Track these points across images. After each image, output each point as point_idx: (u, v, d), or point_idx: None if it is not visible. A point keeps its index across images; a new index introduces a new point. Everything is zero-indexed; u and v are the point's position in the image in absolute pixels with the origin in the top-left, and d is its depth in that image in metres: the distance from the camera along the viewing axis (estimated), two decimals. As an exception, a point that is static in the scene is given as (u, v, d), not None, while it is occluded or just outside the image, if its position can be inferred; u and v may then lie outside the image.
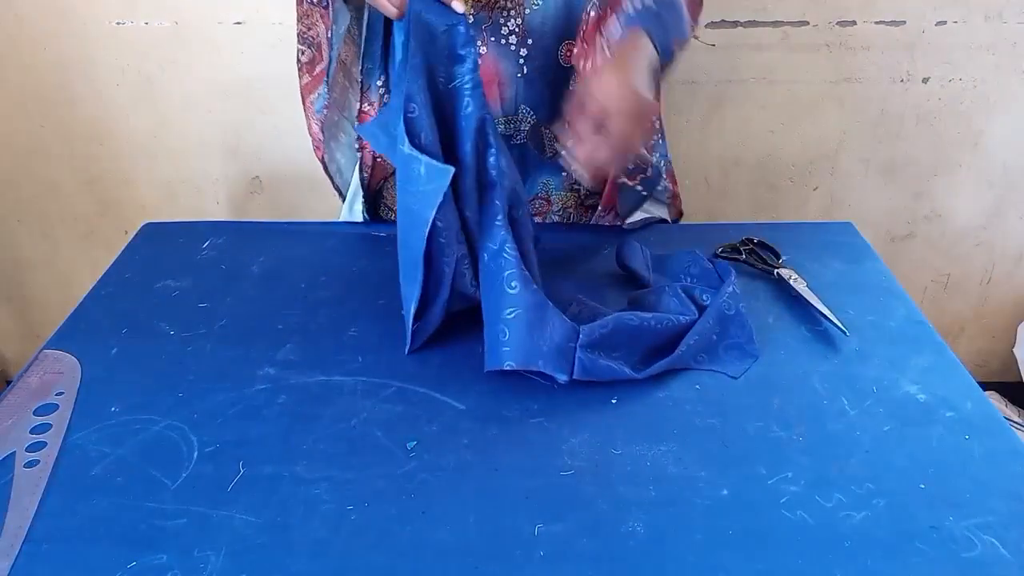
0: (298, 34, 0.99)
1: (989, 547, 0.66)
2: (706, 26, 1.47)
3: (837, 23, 1.48)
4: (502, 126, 1.02)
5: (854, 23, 1.48)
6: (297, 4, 0.97)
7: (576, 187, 1.10)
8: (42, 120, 1.59)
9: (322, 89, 1.01)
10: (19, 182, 1.67)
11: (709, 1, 1.43)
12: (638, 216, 1.11)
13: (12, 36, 1.50)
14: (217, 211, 1.68)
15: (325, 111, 1.02)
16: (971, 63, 1.53)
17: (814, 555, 0.66)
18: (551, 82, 1.00)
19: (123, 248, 1.11)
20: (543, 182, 1.10)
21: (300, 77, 1.02)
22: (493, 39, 0.95)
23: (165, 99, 1.56)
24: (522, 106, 1.01)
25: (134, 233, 1.14)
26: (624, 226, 1.10)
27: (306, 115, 1.04)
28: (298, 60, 1.00)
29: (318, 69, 1.01)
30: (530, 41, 0.96)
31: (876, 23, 1.48)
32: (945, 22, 1.48)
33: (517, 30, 0.95)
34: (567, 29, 0.96)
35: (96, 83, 1.55)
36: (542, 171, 1.09)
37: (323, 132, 1.05)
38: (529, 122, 1.02)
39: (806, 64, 1.52)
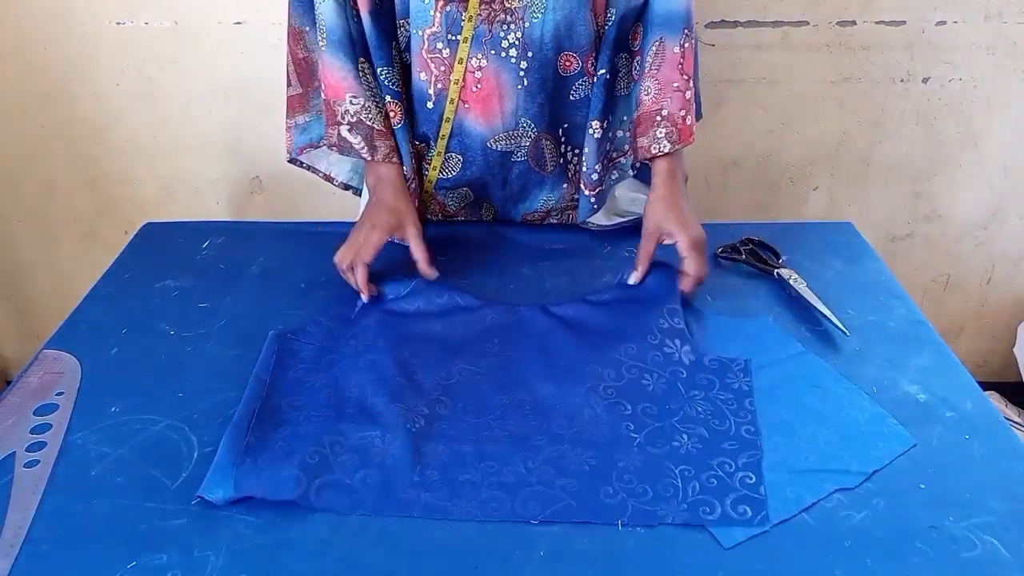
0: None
1: (989, 547, 0.66)
2: (706, 26, 1.47)
3: (837, 23, 1.48)
4: (502, 143, 1.02)
5: (854, 23, 1.48)
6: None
7: (576, 200, 1.10)
8: (42, 120, 1.59)
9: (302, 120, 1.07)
10: (19, 182, 1.67)
11: (709, 1, 1.43)
12: (626, 207, 1.12)
13: (12, 36, 1.50)
14: (217, 211, 1.68)
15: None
16: (971, 63, 1.52)
17: (814, 555, 0.66)
18: (551, 92, 1.00)
19: (123, 248, 1.11)
20: (544, 199, 1.10)
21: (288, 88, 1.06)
22: (493, 52, 0.95)
23: (165, 99, 1.56)
24: (522, 119, 1.00)
25: (134, 233, 1.14)
26: (593, 227, 1.11)
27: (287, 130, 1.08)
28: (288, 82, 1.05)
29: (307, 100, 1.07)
30: (530, 54, 0.96)
31: (876, 23, 1.48)
32: (945, 22, 1.48)
33: (517, 43, 0.95)
34: (566, 41, 0.96)
35: (96, 83, 1.55)
36: (543, 188, 1.09)
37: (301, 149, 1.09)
38: (530, 136, 1.02)
39: (806, 64, 1.52)
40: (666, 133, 0.97)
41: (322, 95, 1.00)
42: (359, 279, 0.94)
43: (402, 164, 1.01)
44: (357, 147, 0.98)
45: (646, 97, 0.98)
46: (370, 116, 0.97)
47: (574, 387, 0.83)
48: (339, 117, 0.97)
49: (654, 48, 0.97)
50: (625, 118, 1.04)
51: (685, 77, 0.97)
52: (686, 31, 0.96)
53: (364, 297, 0.95)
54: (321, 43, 0.96)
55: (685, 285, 0.94)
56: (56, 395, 0.83)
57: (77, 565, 0.66)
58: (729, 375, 0.84)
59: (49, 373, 0.87)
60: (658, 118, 0.97)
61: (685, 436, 0.76)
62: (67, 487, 0.73)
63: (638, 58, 0.99)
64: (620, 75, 1.01)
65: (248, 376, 0.84)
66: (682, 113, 0.97)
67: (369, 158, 0.98)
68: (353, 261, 0.94)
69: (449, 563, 0.66)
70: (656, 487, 0.71)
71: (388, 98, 0.98)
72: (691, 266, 0.93)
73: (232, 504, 0.70)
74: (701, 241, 0.94)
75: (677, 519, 0.68)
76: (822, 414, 0.79)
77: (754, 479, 0.72)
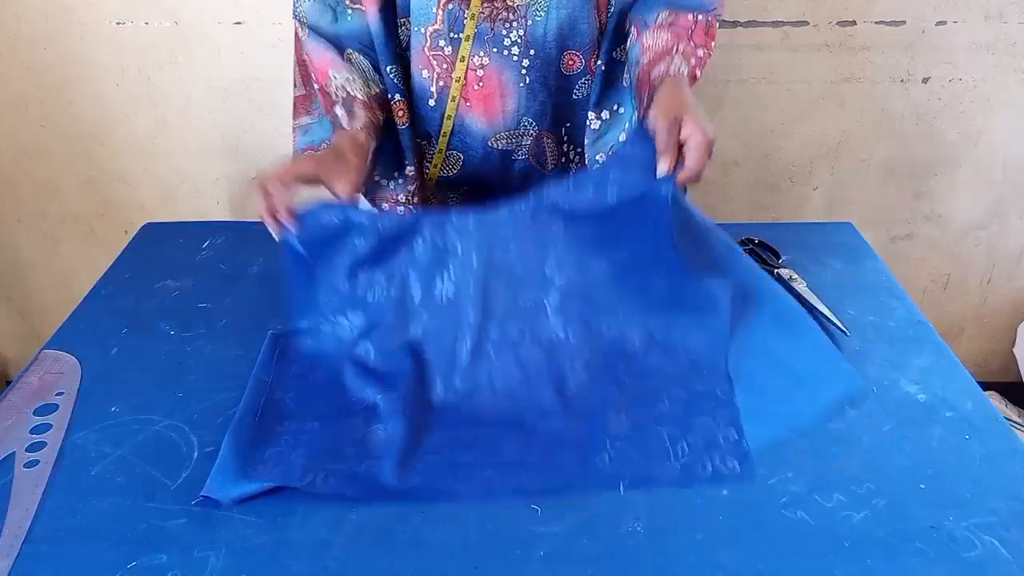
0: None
1: (989, 547, 0.66)
2: (706, 26, 1.47)
3: (837, 23, 1.48)
4: (504, 141, 1.02)
5: (854, 23, 1.48)
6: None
7: None
8: (42, 120, 1.59)
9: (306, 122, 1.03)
10: (19, 182, 1.67)
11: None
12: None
13: (12, 36, 1.50)
14: (217, 211, 1.68)
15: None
16: (971, 63, 1.52)
17: (814, 555, 0.66)
18: (553, 91, 1.00)
19: (123, 248, 1.11)
20: None
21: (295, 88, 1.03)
22: (495, 50, 0.95)
23: (165, 99, 1.56)
24: (524, 118, 1.00)
25: (134, 233, 1.14)
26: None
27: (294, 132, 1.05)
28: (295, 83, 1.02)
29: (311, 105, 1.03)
30: (532, 52, 0.96)
31: (876, 23, 1.48)
32: (945, 22, 1.48)
33: (520, 41, 0.95)
34: (569, 39, 0.96)
35: (96, 83, 1.55)
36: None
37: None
38: (531, 134, 1.02)
39: (806, 64, 1.52)
40: (683, 58, 0.90)
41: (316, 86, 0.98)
42: (261, 207, 0.82)
43: (372, 137, 0.94)
44: (342, 119, 0.93)
45: (656, 42, 0.91)
46: (354, 87, 0.94)
47: (557, 361, 0.84)
48: (333, 97, 0.95)
49: (666, 13, 0.92)
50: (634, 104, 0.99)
51: (693, 43, 0.91)
52: (697, 11, 0.92)
53: (270, 227, 0.82)
54: (303, 35, 0.96)
55: (680, 176, 0.81)
56: (56, 395, 0.83)
57: (77, 565, 0.66)
58: (706, 318, 0.84)
59: (49, 373, 0.87)
60: (674, 51, 0.90)
61: (666, 399, 0.80)
62: (67, 487, 0.73)
63: (641, 19, 0.94)
64: (617, 67, 1.01)
65: (248, 376, 0.84)
66: (692, 62, 0.90)
67: (347, 127, 0.92)
68: (265, 183, 0.81)
69: (449, 563, 0.66)
70: (647, 450, 0.75)
71: (398, 96, 0.98)
72: (695, 161, 0.80)
73: (232, 504, 0.70)
74: (711, 144, 0.81)
75: (672, 479, 0.72)
76: (781, 361, 0.82)
77: (737, 436, 0.76)
